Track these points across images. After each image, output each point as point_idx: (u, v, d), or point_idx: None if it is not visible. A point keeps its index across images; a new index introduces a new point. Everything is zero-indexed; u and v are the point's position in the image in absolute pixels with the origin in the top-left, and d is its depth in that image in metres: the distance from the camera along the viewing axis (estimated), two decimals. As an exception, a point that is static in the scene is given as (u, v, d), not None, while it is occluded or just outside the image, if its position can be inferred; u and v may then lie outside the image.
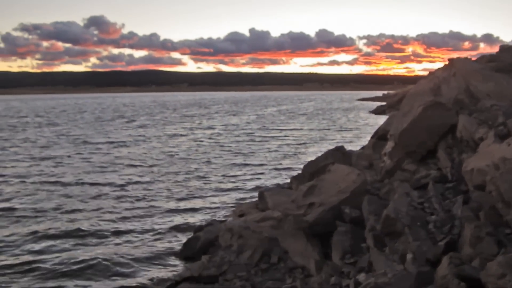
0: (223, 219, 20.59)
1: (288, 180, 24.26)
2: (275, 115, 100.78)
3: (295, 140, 52.02)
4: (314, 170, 19.58)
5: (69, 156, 39.60)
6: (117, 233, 18.87)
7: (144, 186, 27.48)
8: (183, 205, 23.22)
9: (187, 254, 16.40)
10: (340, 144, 25.16)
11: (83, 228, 19.27)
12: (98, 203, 23.39)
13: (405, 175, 15.09)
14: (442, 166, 13.95)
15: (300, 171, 22.09)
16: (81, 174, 31.02)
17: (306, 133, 59.53)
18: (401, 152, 15.81)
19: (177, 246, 17.26)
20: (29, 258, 16.24)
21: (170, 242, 18.04)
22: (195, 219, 20.90)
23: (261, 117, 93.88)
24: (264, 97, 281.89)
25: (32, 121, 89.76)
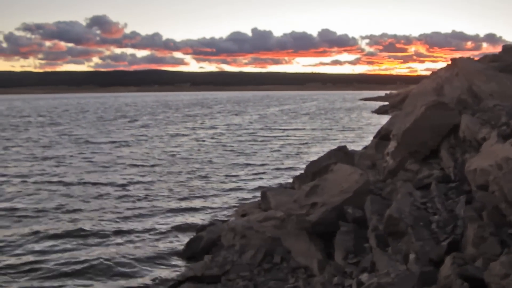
0: (226, 219, 20.58)
1: (291, 180, 24.23)
2: (277, 115, 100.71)
3: (297, 140, 51.97)
4: (317, 170, 19.59)
5: (71, 156, 39.60)
6: (119, 233, 18.84)
7: (146, 186, 27.47)
8: (185, 205, 23.19)
9: (189, 254, 16.38)
10: (342, 144, 25.18)
11: (85, 228, 19.24)
12: (100, 203, 23.38)
13: (408, 175, 15.08)
14: (445, 166, 13.95)
15: (302, 171, 22.09)
16: (83, 174, 31.02)
17: (309, 133, 59.47)
18: (404, 152, 15.80)
19: (180, 246, 17.24)
20: (31, 258, 16.22)
21: (172, 242, 18.02)
22: (198, 219, 20.88)
23: (264, 117, 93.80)
24: (267, 96, 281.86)
25: (35, 120, 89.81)
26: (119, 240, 18.10)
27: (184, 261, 16.09)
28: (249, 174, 31.53)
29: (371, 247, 11.31)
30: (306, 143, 48.74)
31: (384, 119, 50.71)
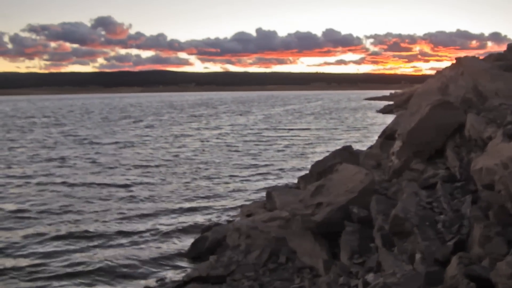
0: (231, 219, 20.58)
1: (296, 180, 24.21)
2: (282, 115, 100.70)
3: (302, 140, 51.95)
4: (322, 169, 19.55)
5: (75, 157, 39.65)
6: (124, 234, 18.83)
7: (150, 186, 27.48)
8: (190, 205, 23.19)
9: (194, 254, 16.38)
10: (347, 144, 25.15)
11: (89, 229, 19.24)
12: (104, 204, 23.38)
13: (413, 174, 15.05)
14: (450, 165, 13.90)
15: (307, 171, 22.05)
16: (87, 175, 31.05)
17: (314, 133, 59.44)
18: (409, 152, 15.76)
19: (185, 247, 17.22)
20: (35, 259, 16.22)
21: (177, 242, 18.02)
22: (203, 219, 20.87)
23: (268, 117, 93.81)
24: (271, 96, 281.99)
25: (39, 121, 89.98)
26: (123, 241, 18.09)
27: (189, 261, 16.08)
28: (254, 174, 31.52)
29: (376, 247, 11.28)
30: (311, 143, 48.71)
31: (389, 118, 50.65)
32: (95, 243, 17.88)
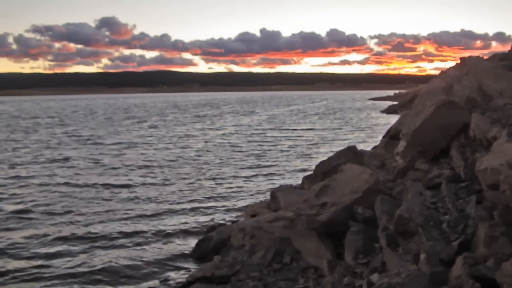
0: (235, 219, 20.57)
1: (300, 180, 24.20)
2: (286, 115, 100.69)
3: (307, 140, 51.94)
4: (326, 170, 19.55)
5: (80, 157, 39.69)
6: (128, 235, 18.81)
7: (155, 187, 27.49)
8: (194, 205, 23.19)
9: (199, 254, 16.39)
10: (352, 144, 25.16)
11: (92, 231, 19.23)
12: (108, 204, 23.38)
13: (418, 174, 15.02)
14: (455, 165, 13.87)
15: (312, 171, 22.04)
16: (91, 176, 31.07)
17: (318, 133, 59.41)
18: (413, 152, 15.73)
19: (189, 247, 17.23)
20: (39, 260, 16.20)
21: (181, 243, 18.02)
22: (207, 219, 20.88)
23: (273, 117, 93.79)
24: (275, 97, 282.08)
25: (44, 122, 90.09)
26: (127, 242, 18.07)
27: (193, 261, 16.08)
28: (258, 174, 31.51)
29: (381, 247, 11.27)
30: (315, 143, 48.71)
31: (393, 118, 50.56)
32: (98, 244, 17.86)
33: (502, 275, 7.52)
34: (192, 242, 17.58)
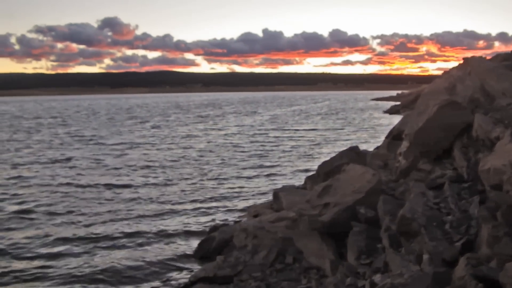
0: (238, 219, 20.56)
1: (303, 181, 24.17)
2: (289, 115, 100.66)
3: (309, 140, 51.93)
4: (329, 170, 19.53)
5: (82, 158, 39.70)
6: (130, 235, 18.78)
7: (157, 187, 27.48)
8: (196, 206, 23.18)
9: (201, 254, 16.37)
10: (354, 144, 25.15)
11: (95, 231, 19.22)
12: (110, 205, 23.35)
13: (421, 175, 15.00)
14: (458, 165, 13.85)
15: (314, 172, 22.02)
16: (94, 176, 31.06)
17: (320, 133, 59.40)
18: (416, 152, 15.71)
19: (191, 247, 17.22)
20: (42, 261, 16.19)
21: (184, 243, 18.01)
22: (209, 219, 20.86)
23: (275, 118, 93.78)
24: (278, 97, 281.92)
25: (46, 122, 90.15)
26: (130, 242, 18.05)
27: (196, 261, 16.06)
28: (260, 174, 31.51)
29: (383, 248, 11.25)
30: (318, 144, 48.68)
31: (396, 119, 50.57)
32: (100, 244, 17.84)
33: (506, 275, 7.49)
34: (195, 242, 17.56)
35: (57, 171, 33.16)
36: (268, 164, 35.68)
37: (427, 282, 8.49)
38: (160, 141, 53.01)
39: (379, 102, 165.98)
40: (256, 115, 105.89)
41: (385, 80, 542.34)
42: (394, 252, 10.42)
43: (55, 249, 17.32)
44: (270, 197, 22.06)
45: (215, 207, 22.96)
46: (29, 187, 27.81)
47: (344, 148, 22.30)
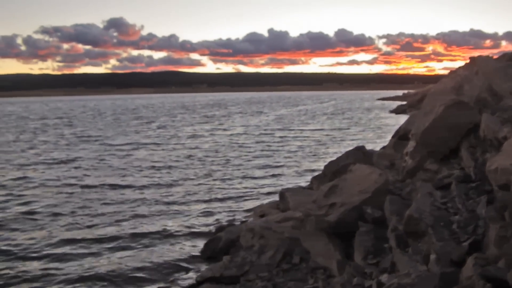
0: (244, 219, 20.54)
1: (309, 181, 24.15)
2: (294, 115, 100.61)
3: (315, 140, 51.89)
4: (335, 170, 19.53)
5: (88, 158, 39.75)
6: (136, 236, 18.76)
7: (163, 188, 27.48)
8: (203, 206, 23.18)
9: (208, 254, 16.36)
10: (361, 144, 25.11)
11: (101, 232, 19.20)
12: (116, 206, 23.33)
13: (427, 175, 14.95)
14: (465, 165, 13.79)
15: (321, 171, 22.01)
16: (99, 177, 31.07)
17: (327, 133, 59.35)
18: (423, 152, 15.66)
19: (198, 247, 17.20)
20: (47, 262, 16.18)
21: (190, 243, 18.00)
22: (215, 219, 20.84)
23: (281, 118, 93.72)
24: (284, 97, 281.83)
25: (52, 123, 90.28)
26: (136, 243, 18.03)
27: (202, 262, 16.04)
28: (267, 174, 31.50)
29: (390, 248, 11.22)
30: (324, 144, 48.65)
31: (402, 118, 50.43)
32: (107, 245, 17.80)
33: (514, 276, 7.46)
34: (201, 242, 17.54)
35: (62, 171, 33.19)
36: (274, 164, 35.65)
37: (435, 282, 8.47)
38: (165, 141, 53.03)
39: (385, 102, 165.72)
40: (262, 115, 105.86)
41: (391, 80, 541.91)
42: (401, 252, 10.40)
43: (60, 250, 17.30)
44: (276, 197, 22.02)
45: (221, 207, 22.95)
46: (34, 187, 27.84)
47: (351, 148, 22.27)
